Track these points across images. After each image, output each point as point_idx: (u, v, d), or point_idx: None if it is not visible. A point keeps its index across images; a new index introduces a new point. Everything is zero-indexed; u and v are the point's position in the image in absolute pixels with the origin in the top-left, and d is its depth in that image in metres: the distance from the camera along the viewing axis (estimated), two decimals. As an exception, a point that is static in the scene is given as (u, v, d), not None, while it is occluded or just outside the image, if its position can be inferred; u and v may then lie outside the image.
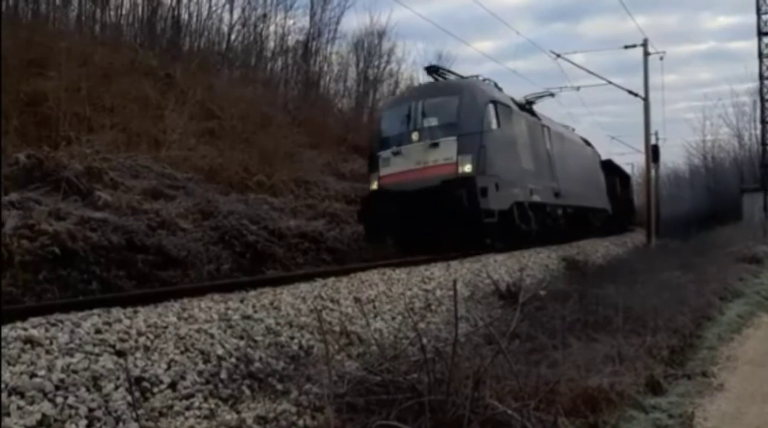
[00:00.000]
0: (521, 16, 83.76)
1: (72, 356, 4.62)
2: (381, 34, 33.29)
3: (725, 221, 32.56)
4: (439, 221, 12.77)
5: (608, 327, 7.05)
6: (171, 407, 4.44)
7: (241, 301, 6.87)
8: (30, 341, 4.68)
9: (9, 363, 4.33)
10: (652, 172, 28.90)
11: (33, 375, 4.25)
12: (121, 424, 4.10)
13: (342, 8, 32.03)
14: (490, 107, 14.45)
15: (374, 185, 13.95)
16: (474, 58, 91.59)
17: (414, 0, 27.85)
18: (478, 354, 5.00)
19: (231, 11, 25.94)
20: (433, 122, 13.73)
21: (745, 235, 22.86)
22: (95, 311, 5.53)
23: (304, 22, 30.09)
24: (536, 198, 16.39)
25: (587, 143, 25.93)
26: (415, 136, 13.63)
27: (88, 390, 4.29)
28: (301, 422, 4.47)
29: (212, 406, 4.57)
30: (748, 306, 10.08)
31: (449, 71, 16.82)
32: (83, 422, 4.00)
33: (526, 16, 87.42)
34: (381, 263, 10.46)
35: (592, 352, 6.00)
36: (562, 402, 4.53)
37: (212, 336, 5.68)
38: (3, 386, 4.05)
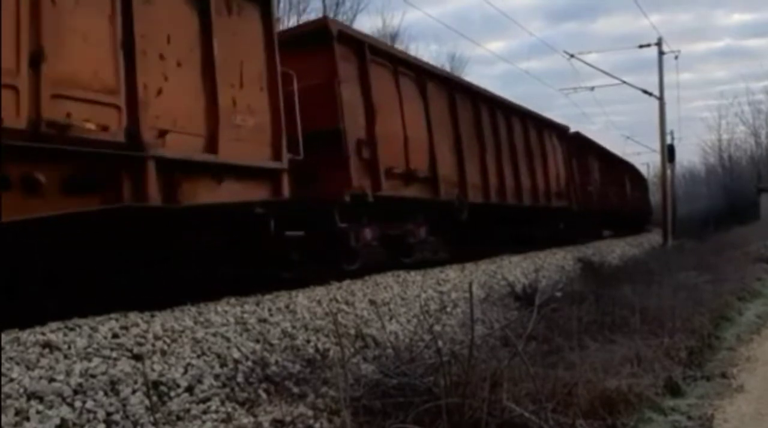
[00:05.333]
0: (533, 15, 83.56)
1: (90, 360, 4.65)
2: (394, 37, 33.34)
3: (742, 221, 32.31)
4: None
5: (625, 328, 7.00)
6: (188, 410, 4.46)
7: (257, 304, 6.89)
8: (48, 345, 4.73)
9: (28, 368, 4.37)
10: (668, 172, 28.71)
11: (52, 380, 4.28)
12: (138, 428, 4.12)
13: (355, 11, 32.06)
14: None
15: None
16: (486, 59, 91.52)
17: (426, 0, 27.84)
18: (494, 356, 4.98)
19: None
20: None
21: (762, 234, 22.67)
22: (113, 315, 5.57)
23: (317, 25, 30.09)
24: None
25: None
26: None
27: (106, 394, 4.31)
28: (317, 425, 4.46)
29: (229, 410, 4.58)
30: (766, 307, 9.99)
31: None
32: (102, 426, 4.02)
33: (538, 16, 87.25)
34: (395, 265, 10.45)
35: (609, 354, 5.96)
36: (579, 404, 4.50)
37: (228, 340, 5.70)
38: (23, 390, 4.09)
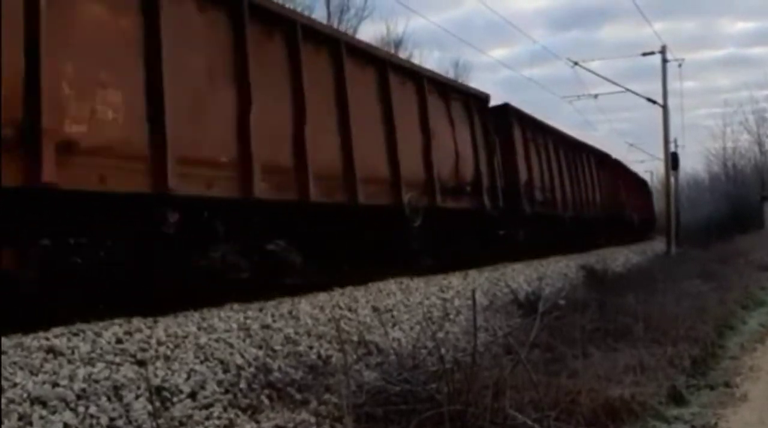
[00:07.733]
0: (536, 23, 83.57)
1: (93, 365, 4.66)
2: (398, 44, 33.43)
3: (746, 229, 32.26)
4: None
5: (629, 337, 7.00)
6: (191, 416, 4.46)
7: (260, 310, 6.89)
8: (52, 350, 4.73)
9: (32, 373, 4.37)
10: (672, 179, 28.70)
11: (55, 385, 4.29)
12: (141, 434, 4.12)
13: (359, 18, 32.21)
14: None
15: None
16: (490, 65, 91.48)
17: (429, 8, 27.95)
18: (497, 364, 4.97)
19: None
20: None
21: (766, 243, 22.62)
22: (116, 320, 5.58)
23: (322, 32, 30.16)
24: None
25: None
26: None
27: (109, 399, 4.31)
28: (320, 432, 4.47)
29: (231, 416, 4.58)
30: (770, 315, 9.95)
31: None
32: (104, 431, 4.03)
33: (542, 23, 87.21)
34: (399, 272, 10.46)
35: (612, 362, 5.96)
36: (582, 412, 4.50)
37: (231, 346, 5.70)
38: (26, 395, 4.10)
